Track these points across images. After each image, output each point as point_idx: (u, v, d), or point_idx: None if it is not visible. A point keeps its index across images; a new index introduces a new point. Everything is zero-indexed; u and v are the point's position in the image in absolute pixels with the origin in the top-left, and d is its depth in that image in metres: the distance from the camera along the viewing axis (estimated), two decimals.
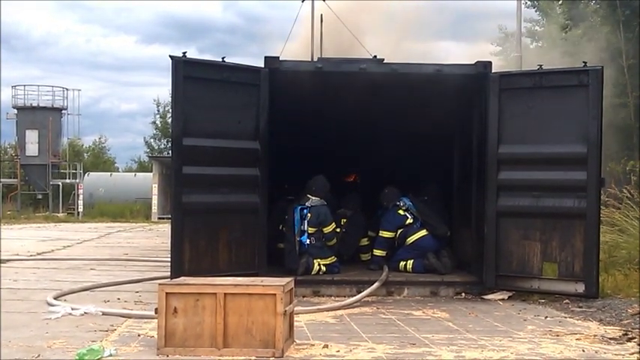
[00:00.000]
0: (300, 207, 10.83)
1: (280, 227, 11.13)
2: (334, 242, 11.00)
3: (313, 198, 10.86)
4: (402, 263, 11.03)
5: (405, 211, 11.31)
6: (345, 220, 11.90)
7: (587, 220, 9.50)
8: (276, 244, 11.08)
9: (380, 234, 11.40)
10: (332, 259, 10.80)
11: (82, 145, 57.25)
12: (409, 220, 11.26)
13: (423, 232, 11.17)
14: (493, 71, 10.20)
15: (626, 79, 20.67)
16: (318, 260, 10.59)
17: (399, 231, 11.26)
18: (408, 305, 9.42)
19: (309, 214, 10.75)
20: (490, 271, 10.08)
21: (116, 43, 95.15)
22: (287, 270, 10.30)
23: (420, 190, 11.82)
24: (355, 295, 9.56)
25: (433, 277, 10.61)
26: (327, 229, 10.85)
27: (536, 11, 30.71)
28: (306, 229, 10.71)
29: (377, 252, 11.34)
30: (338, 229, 11.42)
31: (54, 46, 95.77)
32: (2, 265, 13.47)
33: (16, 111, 42.47)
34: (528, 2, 29.07)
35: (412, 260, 10.97)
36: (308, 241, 10.66)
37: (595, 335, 7.43)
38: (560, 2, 24.11)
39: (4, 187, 42.99)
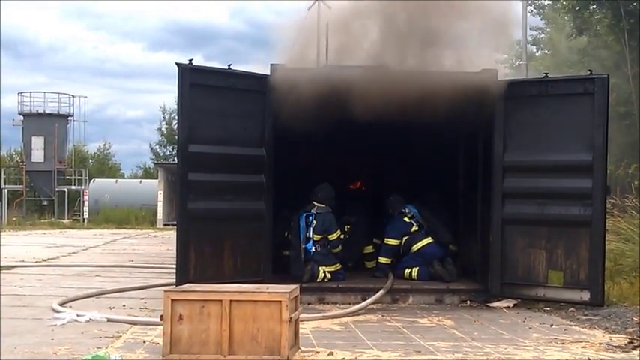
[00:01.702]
0: (305, 214, 10.84)
1: (285, 234, 11.14)
2: (339, 249, 11.00)
3: (319, 205, 10.88)
4: (408, 270, 11.01)
5: (410, 218, 11.31)
6: (348, 227, 11.91)
7: (592, 227, 9.49)
8: (281, 251, 11.09)
9: (385, 241, 11.39)
10: (337, 266, 10.80)
11: (88, 152, 57.37)
12: (414, 228, 11.25)
13: (429, 240, 11.15)
14: (499, 79, 10.20)
15: (630, 87, 20.68)
16: (323, 267, 10.60)
17: (405, 238, 11.25)
18: (413, 313, 9.42)
19: (314, 222, 10.77)
20: (495, 278, 10.07)
21: (123, 50, 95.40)
22: (292, 277, 10.31)
23: (424, 198, 11.80)
24: (360, 303, 9.56)
25: (438, 284, 10.60)
26: (333, 237, 10.86)
27: (541, 19, 30.77)
28: (311, 236, 10.72)
29: (382, 259, 11.33)
30: (342, 236, 11.43)
31: (61, 53, 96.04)
32: (8, 271, 13.50)
33: (22, 117, 42.54)
34: (534, 10, 29.14)
35: (417, 268, 10.96)
36: (313, 248, 10.68)
37: (600, 343, 7.42)
38: (565, 11, 24.14)
39: (10, 193, 43.04)
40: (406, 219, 11.30)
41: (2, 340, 7.11)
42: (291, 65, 10.30)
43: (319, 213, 10.81)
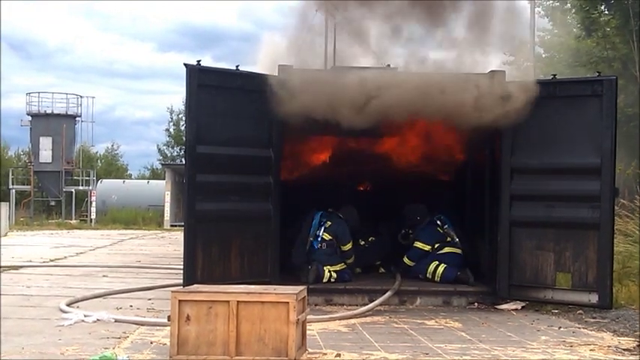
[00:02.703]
0: (321, 212, 10.91)
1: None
2: (352, 260, 11.06)
3: (337, 213, 11.04)
4: (434, 264, 10.81)
5: (442, 229, 11.19)
6: (372, 238, 11.95)
7: (600, 230, 9.45)
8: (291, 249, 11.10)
9: (415, 244, 11.23)
10: (341, 266, 10.80)
11: (97, 153, 57.53)
12: (448, 239, 11.15)
13: (458, 251, 11.07)
14: (507, 80, 10.16)
15: (638, 88, 20.59)
16: (328, 267, 10.58)
17: (437, 245, 11.12)
18: (420, 315, 9.40)
19: (328, 222, 10.82)
20: (503, 281, 10.04)
21: (132, 50, 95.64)
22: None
23: (434, 203, 11.76)
24: (368, 304, 9.55)
25: (446, 286, 10.56)
26: (346, 247, 10.93)
27: (549, 22, 30.67)
28: (321, 234, 10.75)
29: (407, 261, 11.17)
30: (363, 243, 11.62)
31: (70, 54, 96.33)
32: (16, 271, 13.56)
33: (30, 118, 42.69)
34: (541, 12, 29.05)
35: (445, 266, 10.80)
36: (318, 246, 10.70)
37: (609, 346, 7.40)
38: (573, 12, 24.09)
39: (18, 193, 43.18)
40: (439, 229, 11.20)
41: (10, 340, 7.13)
42: (299, 66, 10.29)
43: (335, 216, 10.93)
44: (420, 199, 11.81)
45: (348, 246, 10.95)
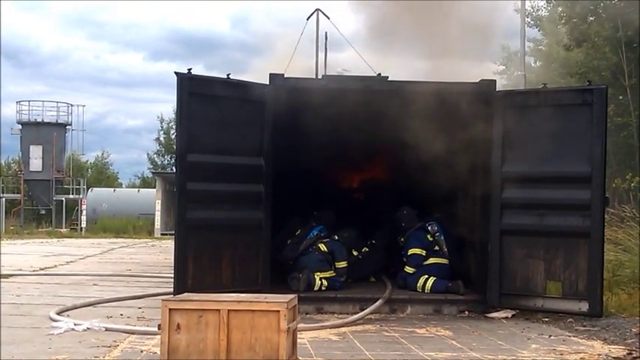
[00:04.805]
0: (320, 228, 11.03)
1: (288, 242, 11.21)
2: (344, 278, 11.05)
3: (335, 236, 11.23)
4: (424, 278, 10.75)
5: (432, 236, 11.20)
6: (366, 249, 11.93)
7: (591, 238, 9.46)
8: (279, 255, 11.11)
9: (412, 251, 11.10)
10: (331, 273, 10.82)
11: (87, 161, 57.39)
12: (436, 247, 11.14)
13: (445, 261, 11.07)
14: (497, 90, 10.20)
15: (628, 98, 20.74)
16: (319, 274, 10.60)
17: (425, 253, 11.13)
18: (411, 323, 9.40)
19: (325, 239, 10.97)
20: (494, 289, 10.05)
21: (124, 59, 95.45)
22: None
23: (432, 210, 11.76)
24: (358, 313, 9.54)
25: (436, 295, 10.56)
26: (340, 264, 10.97)
27: (539, 31, 30.86)
28: (315, 242, 10.82)
29: (409, 269, 11.00)
30: (356, 253, 11.68)
31: (63, 62, 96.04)
32: (6, 280, 13.49)
33: (20, 126, 42.61)
34: (531, 22, 29.24)
35: (434, 279, 10.75)
36: (310, 249, 10.81)
37: (599, 354, 7.41)
38: (563, 22, 24.22)
39: (8, 202, 43.05)
40: (429, 237, 11.16)
41: (0, 349, 7.11)
42: (290, 75, 10.31)
43: (334, 235, 11.11)
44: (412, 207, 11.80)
45: (343, 264, 10.98)
